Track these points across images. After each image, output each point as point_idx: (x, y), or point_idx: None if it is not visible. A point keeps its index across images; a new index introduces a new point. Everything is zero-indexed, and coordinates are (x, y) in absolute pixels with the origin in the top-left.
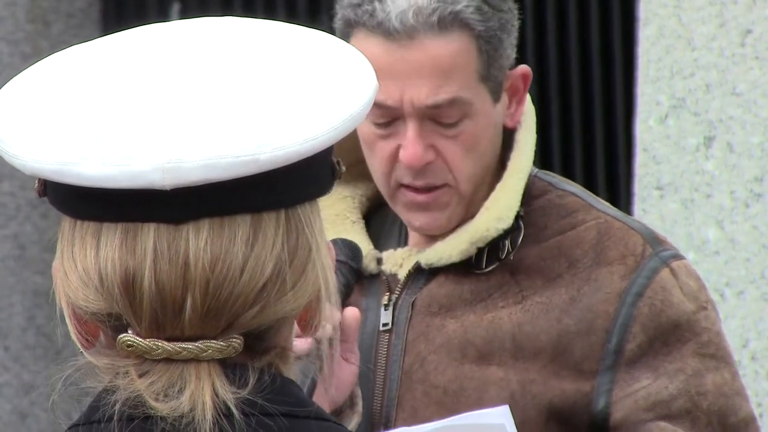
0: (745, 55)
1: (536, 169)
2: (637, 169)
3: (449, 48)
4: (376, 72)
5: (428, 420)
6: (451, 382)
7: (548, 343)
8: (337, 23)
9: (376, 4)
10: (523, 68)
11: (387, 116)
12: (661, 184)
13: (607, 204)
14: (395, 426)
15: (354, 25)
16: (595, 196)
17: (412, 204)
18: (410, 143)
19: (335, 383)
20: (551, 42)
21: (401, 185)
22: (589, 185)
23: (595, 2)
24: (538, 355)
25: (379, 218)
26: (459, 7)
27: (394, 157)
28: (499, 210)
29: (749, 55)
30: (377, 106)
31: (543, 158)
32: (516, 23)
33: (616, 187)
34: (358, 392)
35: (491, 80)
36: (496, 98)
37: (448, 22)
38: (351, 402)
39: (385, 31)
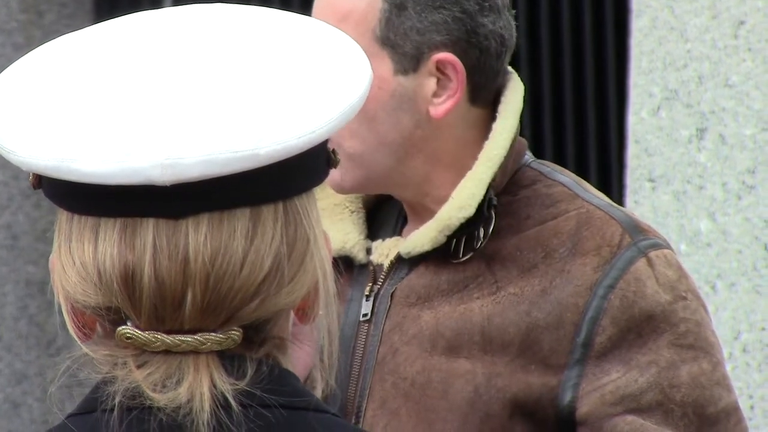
0: (738, 46)
1: (531, 159)
2: (629, 160)
3: None
4: None
5: (396, 411)
6: (419, 374)
7: (517, 336)
8: None
9: None
10: (444, 55)
11: None
12: (653, 176)
13: (597, 193)
14: (365, 415)
15: None
16: (586, 185)
17: None
18: None
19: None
20: (544, 34)
21: None
22: (582, 177)
23: None
24: (507, 348)
25: (386, 208)
26: None
27: None
28: (461, 199)
29: (742, 46)
30: None
31: (535, 150)
32: (454, 8)
33: (609, 178)
34: (318, 376)
35: (391, 46)
36: (400, 69)
37: None
38: (311, 387)
39: None
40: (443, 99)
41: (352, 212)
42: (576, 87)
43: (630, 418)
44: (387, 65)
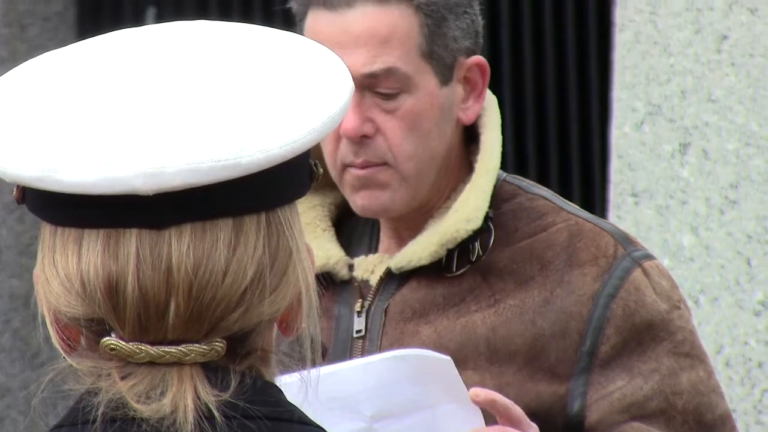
0: (721, 61)
1: (504, 173)
2: (612, 175)
3: (388, 17)
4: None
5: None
6: None
7: (523, 346)
8: (296, 10)
9: None
10: (477, 58)
11: None
12: (636, 191)
13: (577, 207)
14: None
15: (306, 6)
16: (564, 199)
17: (355, 182)
18: (348, 114)
19: None
20: (527, 47)
21: (346, 166)
22: (565, 191)
23: (570, 7)
24: (513, 358)
25: (349, 226)
26: None
27: (338, 135)
28: (467, 211)
29: (725, 61)
30: None
31: (518, 164)
32: (472, 11)
33: (591, 193)
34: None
35: (435, 59)
36: (442, 81)
37: None
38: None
39: (328, 3)
40: (470, 103)
41: (324, 230)
42: (559, 101)
43: (637, 424)
44: (432, 79)
